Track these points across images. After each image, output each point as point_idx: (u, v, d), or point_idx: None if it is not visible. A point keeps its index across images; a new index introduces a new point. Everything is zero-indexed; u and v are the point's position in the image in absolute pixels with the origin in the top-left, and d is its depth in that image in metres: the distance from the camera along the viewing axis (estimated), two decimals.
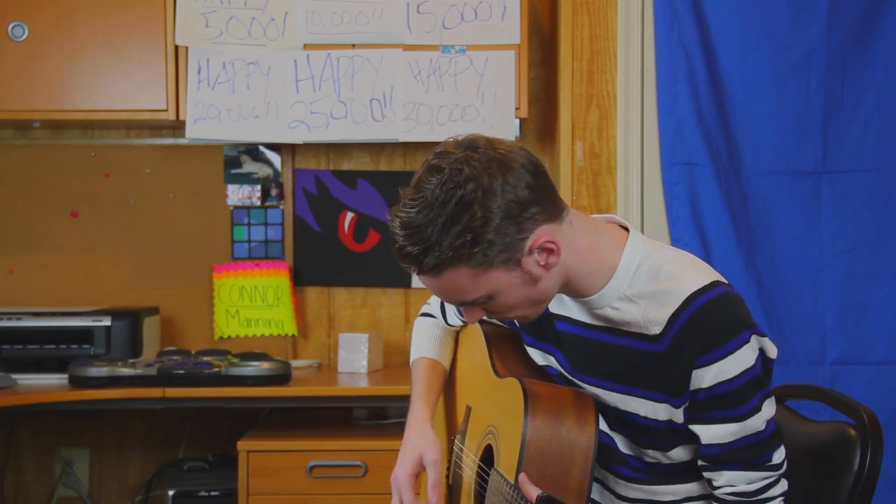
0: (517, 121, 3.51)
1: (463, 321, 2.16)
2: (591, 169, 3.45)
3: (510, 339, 2.03)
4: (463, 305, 1.76)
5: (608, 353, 1.79)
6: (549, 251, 1.69)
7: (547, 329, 1.89)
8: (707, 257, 3.30)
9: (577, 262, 1.74)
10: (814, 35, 3.34)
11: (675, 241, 3.33)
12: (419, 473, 2.01)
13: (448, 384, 2.20)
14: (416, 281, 3.70)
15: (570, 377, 1.86)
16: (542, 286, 1.73)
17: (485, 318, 2.08)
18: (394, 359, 3.73)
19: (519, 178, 1.65)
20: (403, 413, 3.37)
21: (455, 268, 1.65)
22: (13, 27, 3.41)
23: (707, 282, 1.71)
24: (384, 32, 3.44)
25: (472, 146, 1.67)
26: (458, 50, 3.43)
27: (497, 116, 3.40)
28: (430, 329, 2.21)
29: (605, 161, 3.45)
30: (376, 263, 3.72)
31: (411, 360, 2.21)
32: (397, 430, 3.25)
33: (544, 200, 1.68)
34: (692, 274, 1.72)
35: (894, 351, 3.34)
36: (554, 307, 1.86)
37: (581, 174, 3.44)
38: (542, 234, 1.67)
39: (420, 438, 2.02)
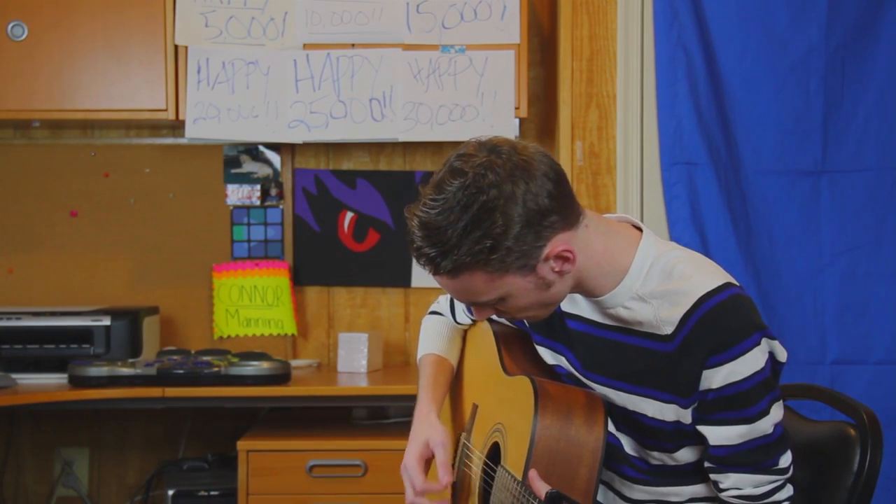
0: (517, 120, 3.50)
1: (472, 319, 2.17)
2: (591, 168, 3.45)
3: (519, 337, 2.03)
4: (474, 305, 1.77)
5: (619, 352, 1.79)
6: (565, 259, 1.70)
7: (558, 328, 1.89)
8: (707, 257, 3.29)
9: (591, 265, 1.75)
10: (813, 35, 3.34)
11: (675, 241, 3.32)
12: (429, 459, 2.00)
13: (455, 382, 2.21)
14: (416, 281, 3.69)
15: (580, 377, 1.86)
16: (555, 290, 1.74)
17: (494, 317, 2.09)
18: (393, 358, 3.73)
19: (541, 187, 1.65)
20: (403, 413, 3.40)
21: (472, 272, 1.67)
22: (13, 27, 3.41)
23: (719, 283, 1.71)
24: (384, 32, 3.44)
25: (495, 150, 1.67)
26: (458, 50, 3.43)
27: (497, 116, 3.40)
28: (439, 327, 2.22)
29: (604, 161, 3.45)
30: (376, 263, 3.72)
31: (418, 356, 2.21)
32: (397, 429, 3.26)
33: (564, 209, 1.68)
34: (704, 275, 1.73)
35: (894, 351, 3.34)
36: (566, 306, 1.87)
37: (581, 174, 3.44)
38: (559, 242, 1.68)
39: (426, 426, 2.03)
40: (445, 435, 2.00)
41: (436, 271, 1.69)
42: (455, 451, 2.14)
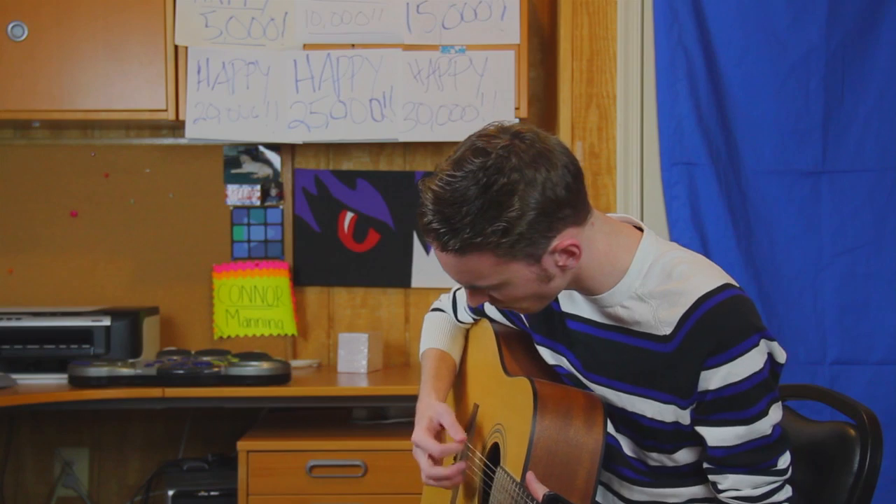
0: (517, 120, 3.50)
1: (474, 318, 2.17)
2: (591, 169, 3.45)
3: (520, 338, 2.03)
4: (472, 289, 1.76)
5: (618, 353, 1.79)
6: (571, 254, 1.69)
7: (558, 328, 1.89)
8: (707, 257, 3.29)
9: (592, 264, 1.74)
10: (813, 35, 3.34)
11: (675, 241, 3.31)
12: (437, 432, 2.00)
13: (457, 381, 2.21)
14: (416, 281, 3.69)
15: (580, 377, 1.86)
16: (553, 285, 1.73)
17: (494, 316, 2.09)
18: (393, 359, 3.73)
19: (561, 178, 1.65)
20: (403, 413, 3.40)
21: (480, 253, 1.65)
22: (13, 27, 3.41)
23: (718, 284, 1.71)
24: (384, 32, 3.44)
25: (518, 135, 1.66)
26: (458, 50, 3.43)
27: (497, 116, 3.40)
28: (441, 323, 2.22)
29: (604, 161, 3.45)
30: (376, 263, 3.72)
31: (421, 351, 2.21)
32: (397, 430, 3.27)
33: (577, 204, 1.68)
34: (704, 276, 1.73)
35: (894, 351, 3.34)
36: (566, 306, 1.86)
37: None
38: (567, 236, 1.68)
39: (426, 407, 2.03)
40: (446, 406, 2.01)
41: (443, 248, 1.67)
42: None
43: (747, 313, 1.70)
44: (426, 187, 1.67)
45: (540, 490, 1.68)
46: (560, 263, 1.69)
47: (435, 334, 2.20)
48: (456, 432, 1.95)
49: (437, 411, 1.99)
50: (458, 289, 2.20)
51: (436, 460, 1.97)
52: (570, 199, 1.66)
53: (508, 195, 1.61)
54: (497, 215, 1.62)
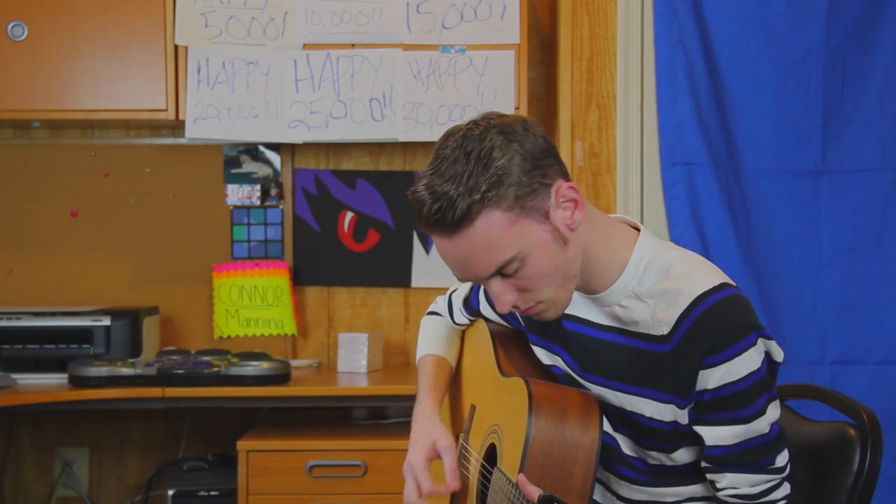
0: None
1: (470, 319, 2.17)
2: (591, 169, 3.45)
3: (516, 338, 2.03)
4: (494, 278, 1.70)
5: (615, 353, 1.79)
6: (574, 202, 1.69)
7: (553, 328, 1.89)
8: (707, 257, 3.26)
9: (591, 254, 1.74)
10: (813, 35, 3.34)
11: (675, 241, 3.28)
12: (433, 460, 2.00)
13: (453, 383, 2.21)
14: (416, 281, 3.69)
15: (576, 377, 1.86)
16: (571, 254, 1.71)
17: (492, 317, 2.08)
18: (393, 359, 3.73)
19: (534, 136, 1.68)
20: (403, 413, 3.40)
21: (487, 212, 1.64)
22: (13, 27, 3.41)
23: (715, 283, 1.71)
24: (384, 32, 3.44)
25: (482, 117, 1.71)
26: (458, 50, 3.43)
27: None
28: (437, 327, 2.22)
29: (604, 161, 3.45)
30: (376, 263, 3.72)
31: (417, 356, 2.21)
32: (397, 429, 3.27)
33: (558, 159, 1.71)
34: (701, 275, 1.73)
35: (894, 351, 3.34)
36: None
37: (581, 174, 3.44)
38: (563, 185, 1.69)
39: (431, 427, 2.02)
40: (451, 437, 2.00)
41: (449, 230, 1.65)
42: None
43: (744, 312, 1.70)
44: (415, 189, 1.69)
45: (534, 491, 1.68)
46: (567, 221, 1.69)
47: (431, 339, 2.20)
48: (453, 478, 1.94)
49: (442, 444, 1.98)
50: (454, 290, 2.20)
51: (421, 492, 1.97)
52: (550, 150, 1.70)
53: (489, 152, 1.65)
54: (486, 170, 1.64)
